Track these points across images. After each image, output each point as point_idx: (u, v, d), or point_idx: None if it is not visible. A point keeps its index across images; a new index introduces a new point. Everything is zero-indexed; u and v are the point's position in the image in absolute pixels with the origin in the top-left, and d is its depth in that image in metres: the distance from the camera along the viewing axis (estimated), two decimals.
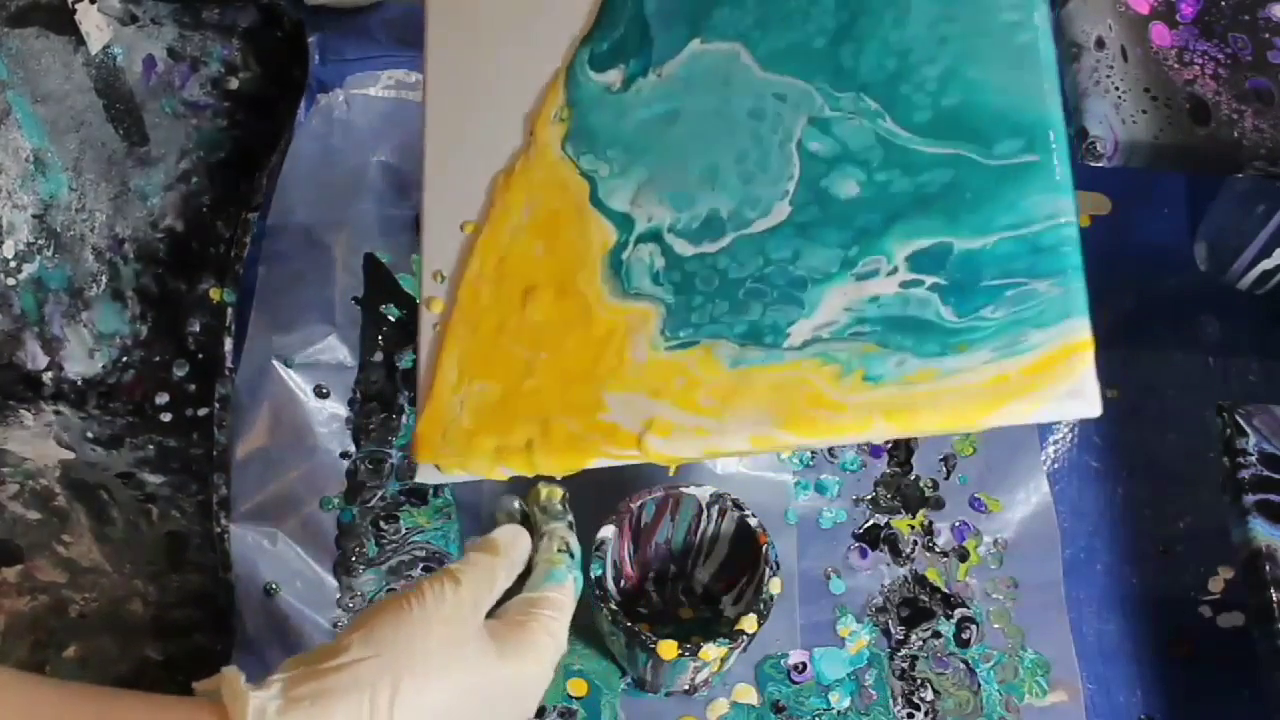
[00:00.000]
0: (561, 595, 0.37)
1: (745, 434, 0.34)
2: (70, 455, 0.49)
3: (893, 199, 0.34)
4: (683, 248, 0.36)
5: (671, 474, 0.36)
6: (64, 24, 0.48)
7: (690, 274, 0.36)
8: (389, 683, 0.30)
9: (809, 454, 0.53)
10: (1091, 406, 0.31)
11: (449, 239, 0.38)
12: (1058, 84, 0.35)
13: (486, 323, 0.37)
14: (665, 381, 0.35)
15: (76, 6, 0.48)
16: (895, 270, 0.34)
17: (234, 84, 0.54)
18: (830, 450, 0.54)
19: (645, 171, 0.37)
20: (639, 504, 0.44)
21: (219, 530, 0.48)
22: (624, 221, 0.37)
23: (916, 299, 0.33)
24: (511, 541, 0.37)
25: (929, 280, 0.33)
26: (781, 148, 0.36)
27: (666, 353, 0.35)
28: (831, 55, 0.36)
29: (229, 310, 0.53)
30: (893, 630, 0.49)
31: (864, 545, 0.52)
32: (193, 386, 0.52)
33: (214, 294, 0.54)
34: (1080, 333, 0.32)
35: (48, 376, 0.50)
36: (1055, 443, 0.55)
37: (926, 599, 0.50)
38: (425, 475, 0.36)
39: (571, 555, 0.39)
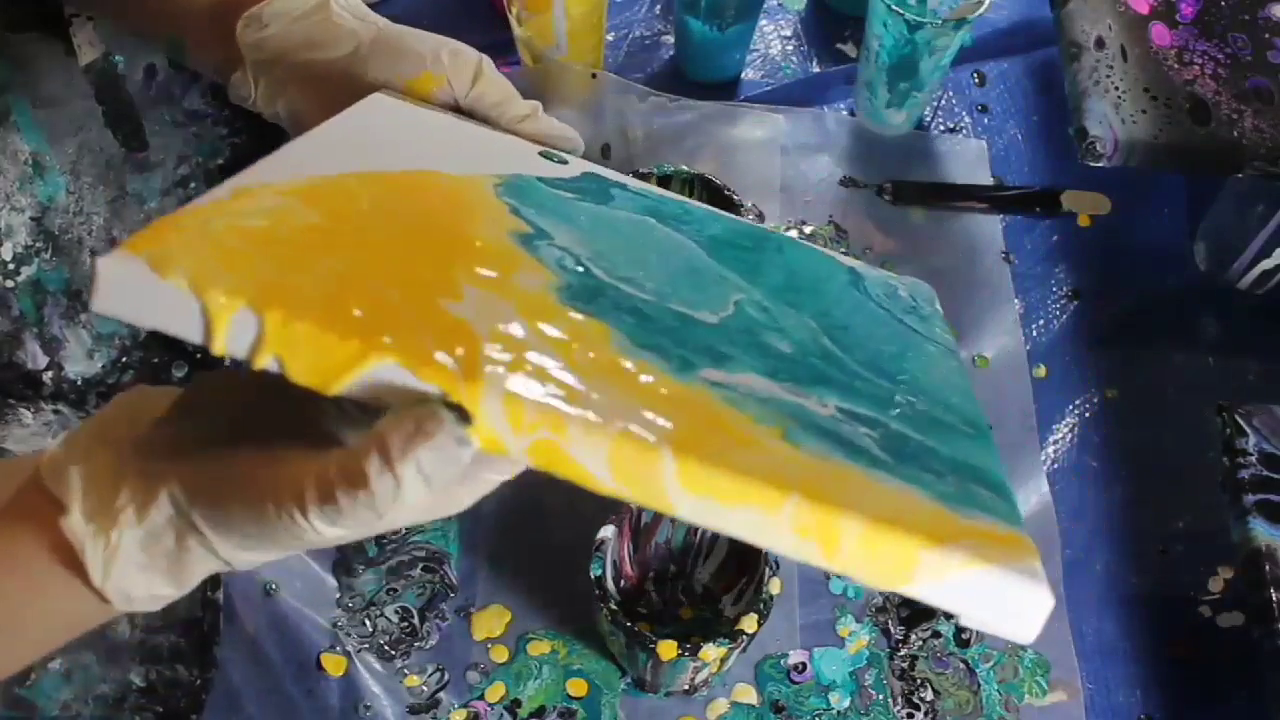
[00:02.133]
0: (493, 475, 0.27)
1: (618, 427, 0.23)
2: None
3: (824, 374, 0.30)
4: (601, 274, 0.31)
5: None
6: (64, 31, 0.48)
7: (601, 288, 0.30)
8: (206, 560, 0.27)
9: None
10: (1031, 619, 0.24)
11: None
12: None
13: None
14: (545, 312, 0.26)
15: (72, 20, 0.48)
16: (824, 405, 0.29)
17: None
18: None
19: (579, 232, 0.33)
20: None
21: None
22: (540, 233, 0.31)
23: (848, 431, 0.28)
24: (441, 472, 0.24)
25: (864, 430, 0.28)
26: (721, 295, 0.32)
27: (558, 301, 0.27)
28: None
29: None
30: (892, 630, 0.49)
31: None
32: None
33: None
34: (1025, 538, 0.26)
35: (48, 376, 0.50)
36: (1055, 443, 0.55)
37: None
38: (108, 287, 0.23)
39: None
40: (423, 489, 0.24)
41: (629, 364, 0.26)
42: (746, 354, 0.30)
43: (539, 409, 0.23)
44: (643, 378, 0.26)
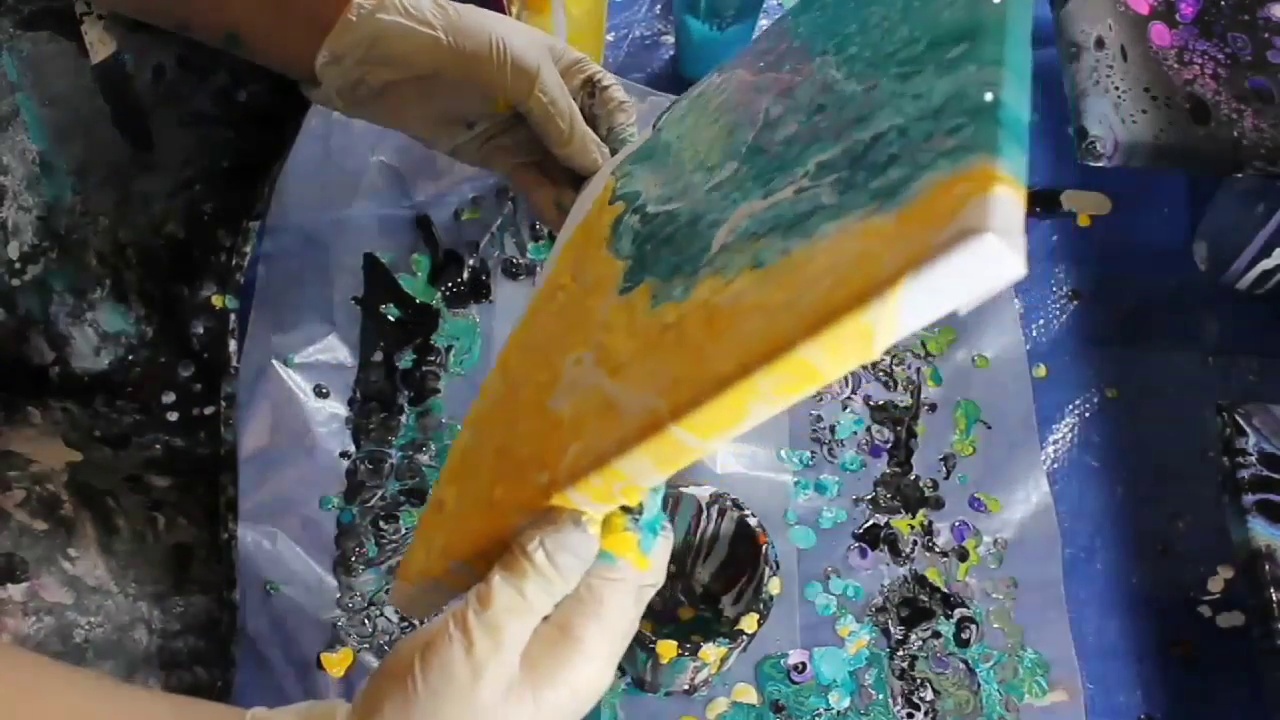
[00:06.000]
0: (606, 583, 0.30)
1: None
2: (78, 457, 0.49)
3: (822, 128, 0.29)
4: (654, 207, 0.36)
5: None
6: (74, 30, 0.48)
7: (652, 229, 0.34)
8: None
9: (808, 454, 0.54)
10: (1000, 253, 0.20)
11: None
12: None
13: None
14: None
15: (84, 18, 0.48)
16: (805, 176, 0.28)
17: (242, 95, 0.54)
18: (830, 450, 0.54)
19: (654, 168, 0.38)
20: None
21: (226, 536, 0.49)
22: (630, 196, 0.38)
23: (808, 196, 0.27)
24: (561, 555, 0.29)
25: (828, 179, 0.27)
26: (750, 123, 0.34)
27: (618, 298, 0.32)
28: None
29: (232, 315, 0.54)
30: (892, 630, 0.49)
31: (864, 545, 0.52)
32: (199, 386, 0.53)
33: (216, 301, 0.54)
34: (981, 167, 0.21)
35: (54, 372, 0.50)
36: (1055, 443, 0.55)
37: (926, 599, 0.50)
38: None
39: (634, 517, 0.30)
40: (549, 566, 0.29)
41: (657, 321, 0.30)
42: (750, 184, 0.31)
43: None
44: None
